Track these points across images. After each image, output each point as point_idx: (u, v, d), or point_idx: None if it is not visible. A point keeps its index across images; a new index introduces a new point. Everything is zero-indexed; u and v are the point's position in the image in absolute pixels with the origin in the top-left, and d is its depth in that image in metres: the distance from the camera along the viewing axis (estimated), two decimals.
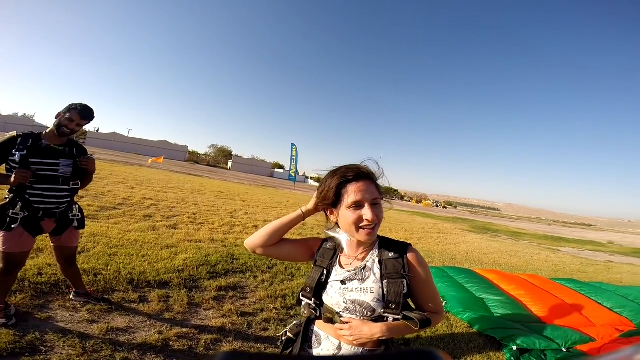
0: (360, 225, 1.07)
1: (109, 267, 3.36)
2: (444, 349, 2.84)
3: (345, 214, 1.08)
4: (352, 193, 1.07)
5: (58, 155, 2.26)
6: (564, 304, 3.86)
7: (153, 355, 2.11)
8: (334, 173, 1.14)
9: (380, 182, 1.15)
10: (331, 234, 1.20)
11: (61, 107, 2.25)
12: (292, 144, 26.97)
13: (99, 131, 47.51)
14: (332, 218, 1.16)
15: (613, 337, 2.97)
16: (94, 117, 2.34)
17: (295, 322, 1.28)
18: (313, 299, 1.15)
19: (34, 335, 2.09)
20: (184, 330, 2.47)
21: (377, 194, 1.10)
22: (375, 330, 1.04)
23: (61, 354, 1.98)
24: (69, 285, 2.70)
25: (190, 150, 58.66)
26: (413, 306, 1.14)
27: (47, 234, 2.38)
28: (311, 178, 66.13)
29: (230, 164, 57.82)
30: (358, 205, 1.06)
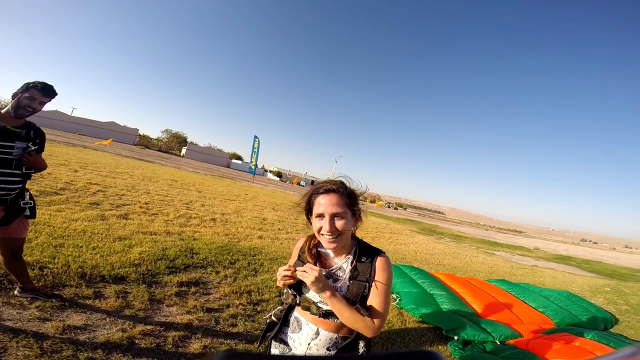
0: (322, 233, 1.17)
1: (56, 260, 3.09)
2: (400, 342, 3.09)
3: (313, 222, 1.22)
4: (317, 205, 1.19)
5: (13, 137, 2.06)
6: (497, 302, 4.38)
7: (119, 354, 2.02)
8: (313, 186, 1.28)
9: (359, 192, 1.25)
10: (324, 251, 1.29)
11: None
12: (255, 136, 26.42)
13: None
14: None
15: (537, 334, 3.46)
16: (56, 93, 2.18)
17: (279, 307, 1.40)
18: (292, 289, 1.27)
19: None
20: (148, 327, 2.38)
21: (343, 207, 1.17)
22: (324, 289, 1.13)
23: (17, 354, 1.82)
24: (12, 280, 2.46)
25: (141, 134, 54.29)
26: None
27: None
28: (270, 172, 65.26)
29: (184, 150, 54.67)
30: (321, 216, 1.18)
